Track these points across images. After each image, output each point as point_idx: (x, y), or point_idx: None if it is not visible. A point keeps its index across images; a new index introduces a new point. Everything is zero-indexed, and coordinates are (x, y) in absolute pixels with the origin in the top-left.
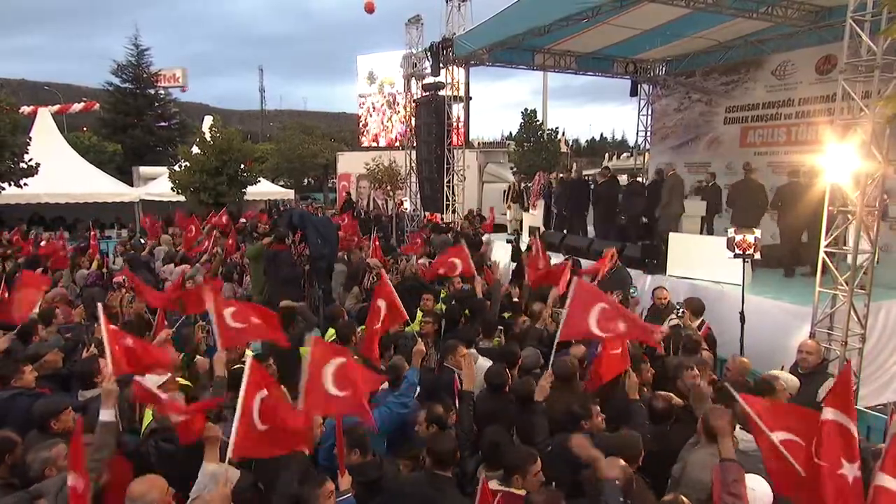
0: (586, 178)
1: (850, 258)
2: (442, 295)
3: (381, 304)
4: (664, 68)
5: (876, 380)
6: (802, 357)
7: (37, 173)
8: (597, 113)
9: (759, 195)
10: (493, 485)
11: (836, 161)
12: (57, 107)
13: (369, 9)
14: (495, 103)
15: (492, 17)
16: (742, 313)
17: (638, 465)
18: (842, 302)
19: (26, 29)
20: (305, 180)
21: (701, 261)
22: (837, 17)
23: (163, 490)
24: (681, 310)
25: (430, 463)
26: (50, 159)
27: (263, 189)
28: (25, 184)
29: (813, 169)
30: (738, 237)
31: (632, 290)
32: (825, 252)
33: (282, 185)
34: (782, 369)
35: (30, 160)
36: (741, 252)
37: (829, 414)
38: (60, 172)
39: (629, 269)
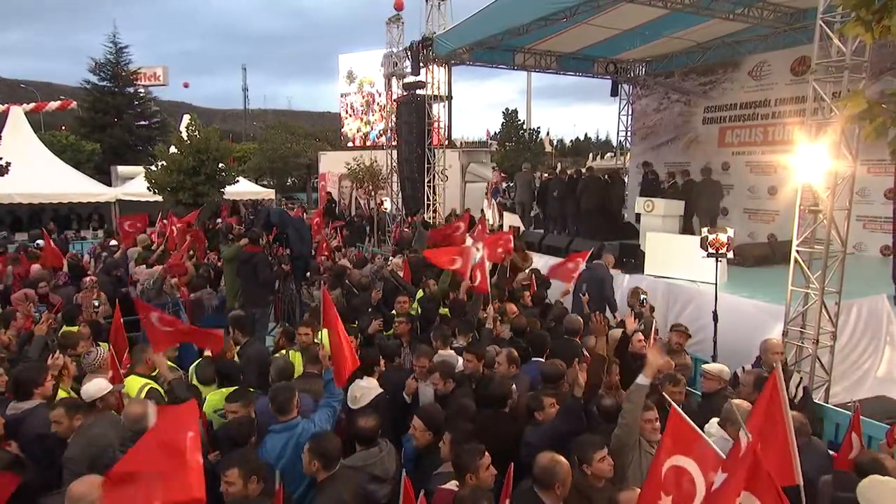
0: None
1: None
2: (418, 296)
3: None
4: (643, 68)
5: (848, 377)
6: (775, 357)
7: (7, 173)
8: (583, 112)
9: (718, 194)
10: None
11: (807, 161)
12: (32, 105)
13: (398, 6)
14: (482, 103)
15: (471, 16)
16: (715, 312)
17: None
18: (813, 300)
19: (5, 25)
20: (289, 180)
21: (678, 260)
22: (811, 18)
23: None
24: (643, 299)
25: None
26: (23, 159)
27: (244, 189)
28: None
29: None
30: (711, 236)
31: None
32: (797, 251)
33: (264, 185)
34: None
35: None
36: (714, 251)
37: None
38: (34, 172)
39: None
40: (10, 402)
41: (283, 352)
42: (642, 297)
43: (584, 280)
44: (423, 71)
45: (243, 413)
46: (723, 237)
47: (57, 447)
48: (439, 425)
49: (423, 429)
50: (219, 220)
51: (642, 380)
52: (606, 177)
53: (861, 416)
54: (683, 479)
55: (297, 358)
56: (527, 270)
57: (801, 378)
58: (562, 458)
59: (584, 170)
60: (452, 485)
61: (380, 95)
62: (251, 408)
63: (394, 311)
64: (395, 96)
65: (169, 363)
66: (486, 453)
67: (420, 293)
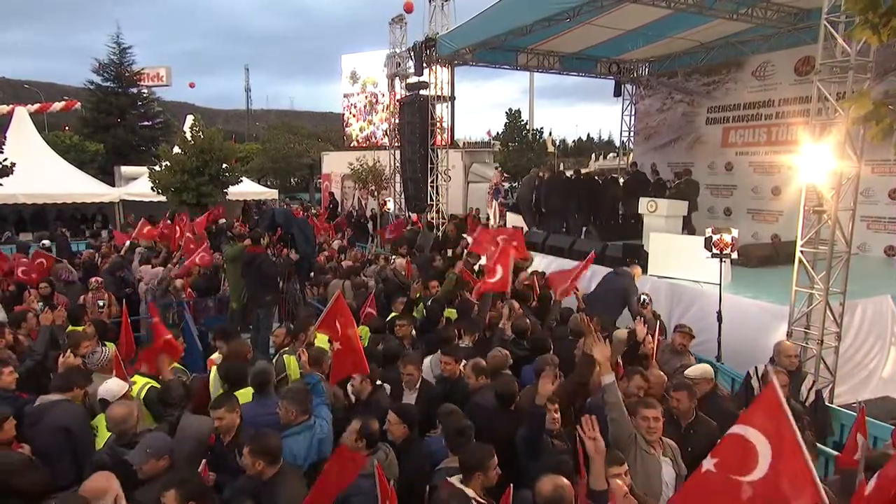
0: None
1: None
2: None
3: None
4: (647, 69)
5: (853, 378)
6: (788, 360)
7: (12, 173)
8: (587, 112)
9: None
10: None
11: (811, 161)
12: (36, 106)
13: (408, 8)
14: (485, 103)
15: (474, 16)
16: (719, 312)
17: None
18: (818, 301)
19: (7, 25)
20: (291, 180)
21: (681, 260)
22: (815, 18)
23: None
24: (644, 300)
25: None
26: (27, 159)
27: (247, 189)
28: (0, 184)
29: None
30: (716, 237)
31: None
32: (801, 251)
33: (267, 186)
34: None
35: (4, 159)
36: (718, 252)
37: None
38: (38, 172)
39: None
40: (40, 396)
41: (284, 350)
42: (643, 298)
43: (609, 286)
44: (426, 71)
45: (230, 419)
46: (727, 237)
47: (78, 443)
48: (413, 419)
49: (398, 422)
50: (221, 220)
51: (606, 379)
52: (573, 176)
53: (866, 417)
54: (747, 449)
55: (291, 361)
56: (528, 271)
57: (815, 381)
58: (565, 484)
59: (545, 172)
60: (456, 479)
61: (383, 96)
62: (237, 413)
63: (394, 314)
64: (398, 96)
65: (177, 365)
66: (495, 454)
67: (417, 294)
